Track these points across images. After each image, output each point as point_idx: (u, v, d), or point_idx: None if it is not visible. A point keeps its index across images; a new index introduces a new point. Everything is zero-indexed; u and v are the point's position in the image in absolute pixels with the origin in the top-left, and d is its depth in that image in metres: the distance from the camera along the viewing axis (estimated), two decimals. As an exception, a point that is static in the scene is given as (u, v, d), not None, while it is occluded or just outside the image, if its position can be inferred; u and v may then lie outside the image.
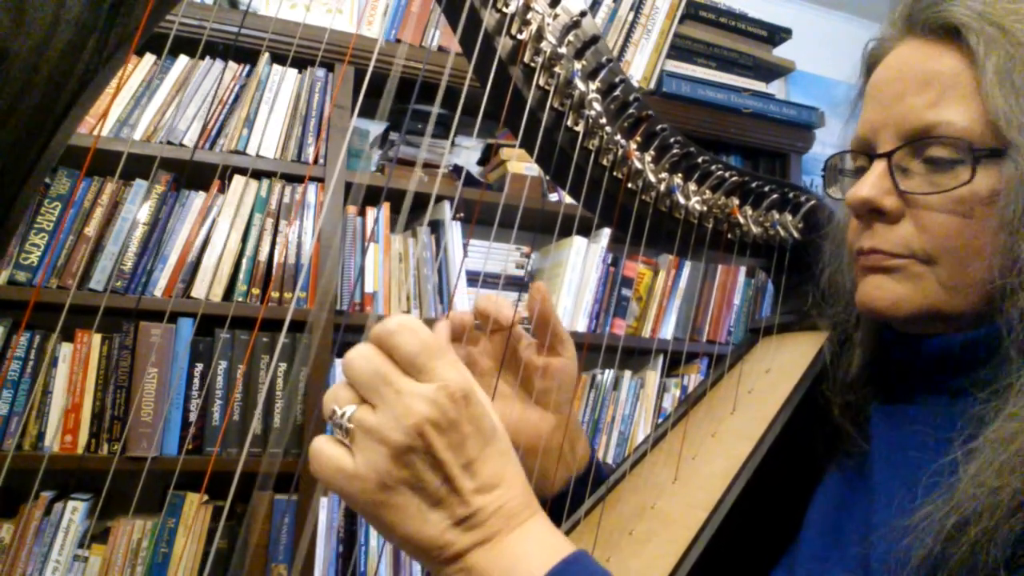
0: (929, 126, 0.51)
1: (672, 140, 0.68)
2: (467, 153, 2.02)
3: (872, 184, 0.53)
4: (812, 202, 0.77)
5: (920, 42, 0.54)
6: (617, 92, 0.64)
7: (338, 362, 1.66)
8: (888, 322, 0.57)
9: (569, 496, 0.67)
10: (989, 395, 0.48)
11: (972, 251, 0.50)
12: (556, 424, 0.66)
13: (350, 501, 0.40)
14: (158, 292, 1.53)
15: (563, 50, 0.60)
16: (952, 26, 0.52)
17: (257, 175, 1.63)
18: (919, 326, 0.55)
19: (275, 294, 1.60)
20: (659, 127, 0.67)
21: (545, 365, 0.65)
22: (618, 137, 0.65)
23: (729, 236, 0.74)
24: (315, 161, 1.66)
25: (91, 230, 1.51)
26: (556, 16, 0.60)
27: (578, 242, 1.87)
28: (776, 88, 2.30)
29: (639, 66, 1.98)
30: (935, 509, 0.45)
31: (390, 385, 0.39)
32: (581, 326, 1.85)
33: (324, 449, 0.40)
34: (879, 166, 0.54)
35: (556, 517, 0.64)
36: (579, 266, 1.87)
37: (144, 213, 1.55)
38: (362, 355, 0.40)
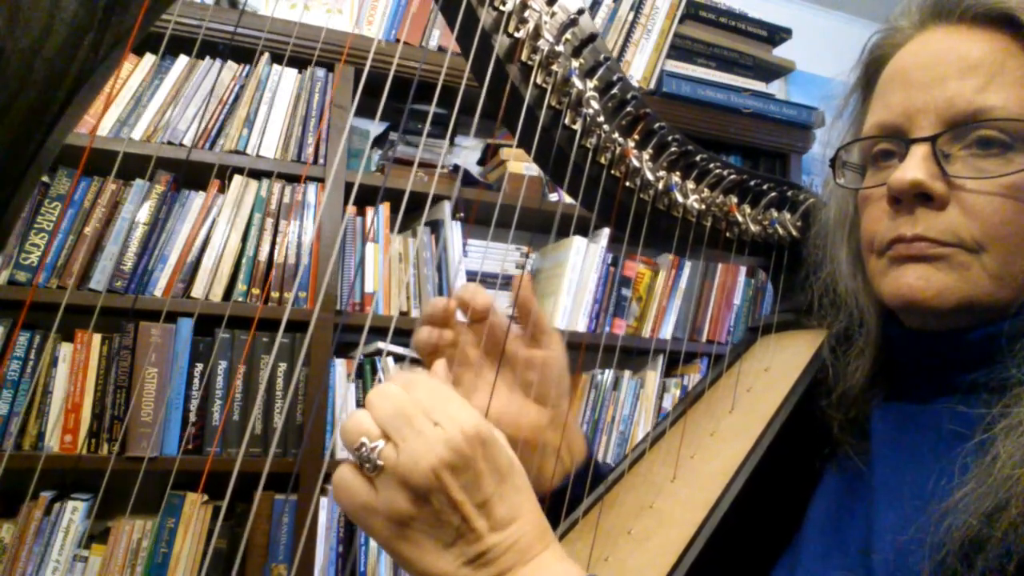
0: (979, 110, 0.50)
1: (670, 138, 0.68)
2: (466, 153, 2.02)
3: (918, 167, 0.51)
4: (811, 200, 0.77)
5: (953, 29, 0.53)
6: (615, 90, 0.63)
7: (338, 362, 1.67)
8: (925, 314, 0.54)
9: (568, 493, 0.66)
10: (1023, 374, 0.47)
11: None
12: (549, 419, 0.65)
13: (370, 532, 0.41)
14: (158, 292, 1.53)
15: (561, 48, 0.60)
16: (1002, 13, 0.51)
17: (257, 175, 1.63)
18: (952, 319, 0.53)
19: (275, 294, 1.60)
20: (657, 125, 0.67)
21: (528, 357, 0.64)
22: (616, 135, 0.65)
23: (728, 234, 0.74)
24: (314, 161, 1.66)
25: (91, 230, 1.51)
26: (553, 14, 0.59)
27: (578, 242, 1.87)
28: (776, 88, 2.30)
29: (639, 66, 1.98)
30: (971, 490, 0.45)
31: (411, 427, 0.41)
32: (581, 326, 1.85)
33: (351, 482, 0.41)
34: (920, 150, 0.51)
35: (553, 515, 0.63)
36: (579, 266, 1.87)
37: (144, 213, 1.55)
38: (386, 394, 0.42)
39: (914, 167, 0.51)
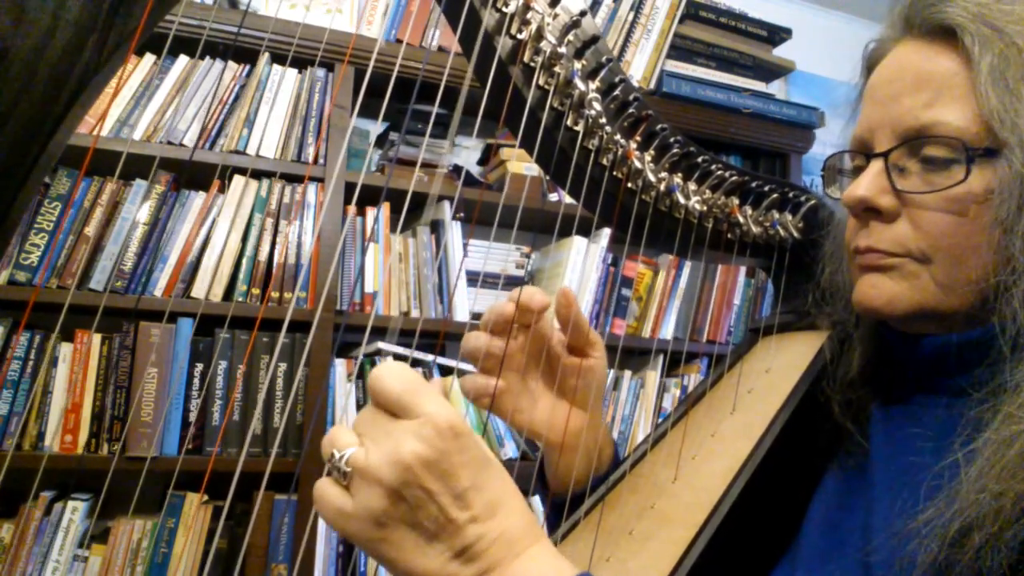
0: (925, 126, 0.51)
1: (672, 140, 0.68)
2: (467, 153, 2.03)
3: (868, 183, 0.54)
4: (812, 202, 0.77)
5: (917, 43, 0.55)
6: (617, 92, 0.64)
7: (338, 362, 1.67)
8: (885, 321, 0.58)
9: (588, 490, 0.68)
10: (986, 395, 0.48)
11: (967, 250, 0.51)
12: (587, 424, 0.68)
13: (353, 540, 0.41)
14: (158, 292, 1.53)
15: (563, 50, 0.60)
16: (948, 27, 0.52)
17: (257, 175, 1.63)
18: (915, 325, 0.55)
19: (275, 294, 1.60)
20: (659, 127, 0.67)
21: (576, 365, 0.67)
22: (618, 137, 0.65)
23: (729, 236, 0.74)
24: (315, 161, 1.66)
25: (91, 230, 1.51)
26: (556, 16, 0.60)
27: (578, 242, 1.87)
28: (776, 88, 2.30)
29: (639, 66, 1.98)
30: (938, 513, 0.45)
31: (378, 427, 0.41)
32: (581, 326, 1.85)
33: (325, 492, 0.41)
34: (876, 165, 0.54)
35: (571, 509, 0.66)
36: (579, 266, 1.87)
37: (144, 213, 1.55)
38: (362, 411, 0.42)
39: (865, 183, 0.54)
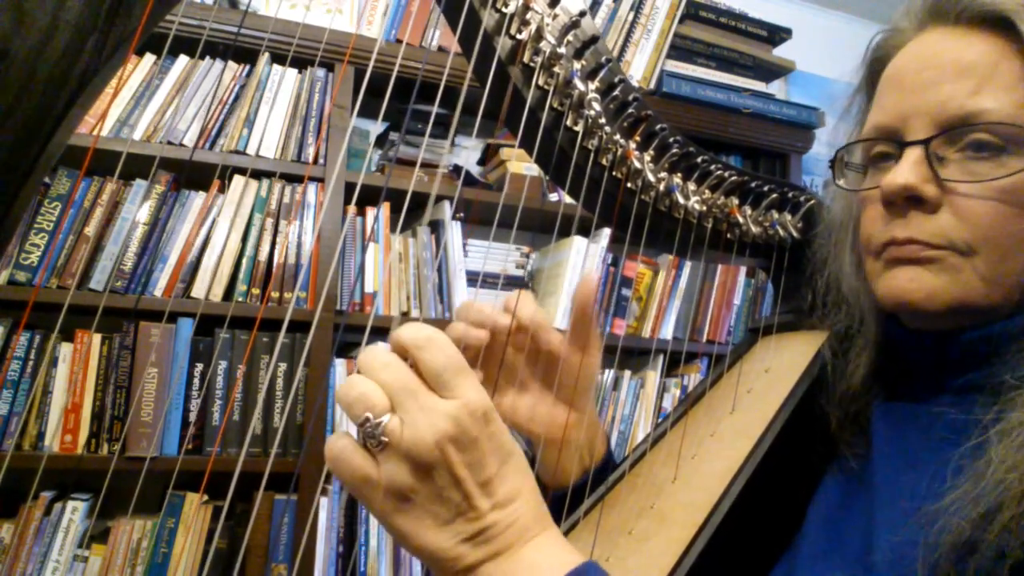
0: (971, 114, 0.50)
1: (671, 140, 0.68)
2: (467, 153, 2.03)
3: (910, 171, 0.52)
4: (812, 202, 0.77)
5: (950, 31, 0.53)
6: (616, 92, 0.64)
7: (338, 362, 1.67)
8: (917, 316, 0.56)
9: (588, 487, 0.68)
10: (1019, 380, 0.47)
11: (1016, 242, 0.50)
12: (578, 419, 0.67)
13: (368, 506, 0.41)
14: (158, 292, 1.54)
15: (562, 50, 0.60)
16: (996, 15, 0.51)
17: (257, 175, 1.63)
18: (946, 320, 0.53)
19: (275, 294, 1.60)
20: (658, 127, 0.67)
21: (575, 365, 0.66)
22: (617, 137, 0.65)
23: (728, 236, 0.74)
24: (315, 161, 1.66)
25: (91, 230, 1.51)
26: (555, 16, 0.60)
27: (578, 242, 1.87)
28: (776, 88, 2.30)
29: (639, 66, 1.98)
30: (965, 493, 0.45)
31: (416, 400, 0.40)
32: (581, 326, 1.85)
33: (350, 456, 0.40)
34: (913, 154, 0.52)
35: (570, 509, 0.66)
36: (579, 266, 1.87)
37: (144, 213, 1.55)
38: (389, 364, 0.41)
39: (906, 171, 0.52)
